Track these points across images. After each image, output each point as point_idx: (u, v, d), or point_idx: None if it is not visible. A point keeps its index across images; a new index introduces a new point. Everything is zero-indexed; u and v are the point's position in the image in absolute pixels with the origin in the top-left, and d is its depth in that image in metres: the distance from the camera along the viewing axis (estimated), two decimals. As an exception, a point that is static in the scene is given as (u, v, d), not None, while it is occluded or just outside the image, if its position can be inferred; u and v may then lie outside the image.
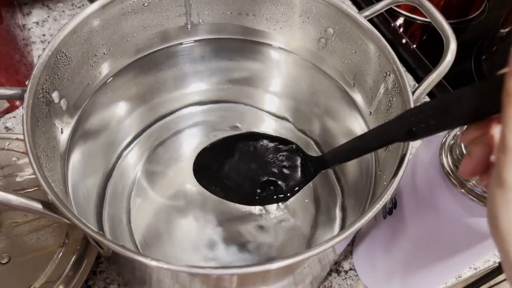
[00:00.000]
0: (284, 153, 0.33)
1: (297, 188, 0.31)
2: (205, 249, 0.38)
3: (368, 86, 0.34)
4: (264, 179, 0.32)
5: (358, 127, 0.37)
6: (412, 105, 0.28)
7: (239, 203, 0.33)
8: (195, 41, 0.39)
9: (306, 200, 0.40)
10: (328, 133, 0.41)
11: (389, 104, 0.31)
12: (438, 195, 0.28)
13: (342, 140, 0.40)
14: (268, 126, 0.43)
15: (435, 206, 0.28)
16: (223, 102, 0.43)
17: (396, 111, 0.30)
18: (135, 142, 0.41)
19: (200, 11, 0.37)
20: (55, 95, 0.30)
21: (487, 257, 0.43)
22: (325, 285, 0.41)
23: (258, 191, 0.32)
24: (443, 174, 0.28)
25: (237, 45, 0.39)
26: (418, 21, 0.63)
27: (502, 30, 0.53)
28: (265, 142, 0.33)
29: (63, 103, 0.31)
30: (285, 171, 0.32)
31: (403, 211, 0.32)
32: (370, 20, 0.60)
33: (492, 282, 1.05)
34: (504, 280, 1.00)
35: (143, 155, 0.41)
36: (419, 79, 0.56)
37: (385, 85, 0.31)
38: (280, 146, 0.33)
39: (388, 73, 0.31)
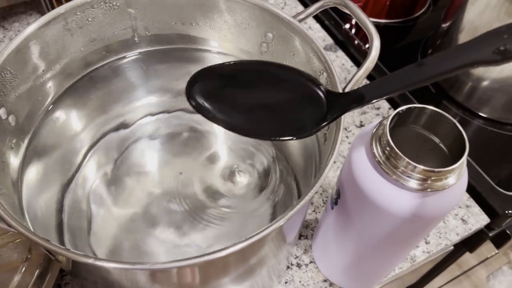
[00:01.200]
0: (303, 87, 0.28)
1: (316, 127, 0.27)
2: (173, 251, 0.39)
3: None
4: (280, 112, 0.28)
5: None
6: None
7: (247, 135, 0.28)
8: (144, 52, 0.40)
9: (263, 195, 0.42)
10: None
11: (325, 101, 0.33)
12: (372, 184, 0.30)
13: (293, 141, 0.42)
14: (221, 128, 0.45)
15: (371, 194, 0.30)
16: (176, 111, 0.45)
17: (330, 107, 0.32)
18: (90, 153, 0.41)
19: (146, 23, 0.39)
20: (2, 112, 0.31)
21: (439, 240, 0.45)
22: (286, 279, 0.43)
23: (274, 124, 0.28)
24: (375, 163, 0.29)
25: (184, 54, 0.41)
26: (369, 22, 0.65)
27: (443, 25, 0.56)
28: (281, 72, 0.29)
29: (11, 119, 0.32)
30: (305, 105, 0.28)
31: (346, 201, 0.34)
32: (322, 24, 0.63)
33: (465, 267, 1.08)
34: (477, 265, 1.03)
35: (100, 166, 0.42)
36: (371, 78, 0.58)
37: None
38: (298, 79, 0.28)
39: (322, 71, 0.33)
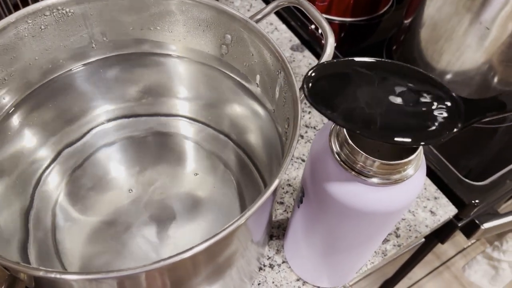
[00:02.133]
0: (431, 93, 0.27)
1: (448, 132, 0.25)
2: (145, 256, 0.38)
3: (268, 85, 0.36)
4: (406, 116, 0.26)
5: (269, 125, 0.39)
6: (299, 98, 0.30)
7: (376, 138, 0.25)
8: (102, 58, 0.40)
9: (230, 195, 0.42)
10: (243, 133, 0.42)
11: (284, 100, 0.33)
12: (333, 180, 0.30)
13: (254, 138, 0.42)
14: (186, 130, 0.45)
15: (333, 191, 0.30)
16: (136, 116, 0.44)
17: (290, 105, 0.32)
18: (52, 167, 0.41)
19: (103, 29, 0.38)
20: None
21: (408, 233, 0.45)
22: (259, 281, 0.42)
23: (402, 127, 0.26)
24: (333, 158, 0.29)
25: (144, 59, 0.41)
26: (336, 21, 0.66)
27: (406, 21, 0.57)
28: (406, 75, 0.27)
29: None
30: (436, 113, 0.26)
31: (310, 199, 0.34)
32: (289, 25, 0.64)
33: (444, 258, 1.09)
34: (456, 255, 1.05)
35: (62, 178, 0.41)
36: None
37: (279, 82, 0.33)
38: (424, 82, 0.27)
39: (280, 71, 0.33)
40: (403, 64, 0.28)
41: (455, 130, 0.26)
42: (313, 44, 0.62)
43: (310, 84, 0.26)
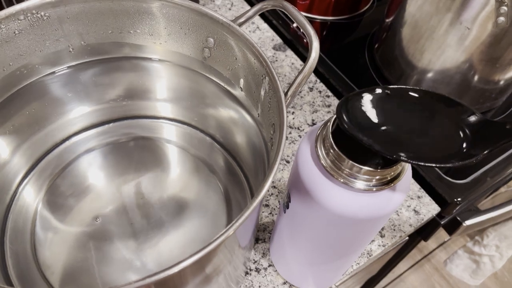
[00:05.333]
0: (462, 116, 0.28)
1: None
2: (129, 266, 0.37)
3: (253, 90, 0.36)
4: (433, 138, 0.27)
5: (254, 129, 0.38)
6: (284, 105, 0.29)
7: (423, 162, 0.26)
8: (81, 63, 0.38)
9: (216, 198, 0.41)
10: (229, 135, 0.42)
11: (269, 105, 0.33)
12: (319, 187, 0.30)
13: (239, 141, 0.41)
14: (169, 133, 0.44)
15: (319, 198, 0.30)
16: (117, 121, 0.43)
17: (275, 111, 0.32)
18: (30, 176, 0.39)
19: (81, 33, 0.37)
20: None
21: (393, 233, 0.46)
22: (246, 285, 0.42)
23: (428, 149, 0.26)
24: (320, 165, 0.29)
25: (124, 63, 0.39)
26: (317, 20, 0.66)
27: (387, 20, 0.57)
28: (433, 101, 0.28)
29: None
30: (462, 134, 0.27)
31: (296, 205, 0.33)
32: (271, 24, 0.63)
33: (425, 251, 1.11)
34: (437, 248, 1.07)
35: (41, 187, 0.40)
36: (320, 75, 0.59)
37: (264, 87, 0.33)
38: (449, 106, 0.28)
39: (264, 75, 0.32)
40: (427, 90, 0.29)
41: (485, 152, 0.27)
42: (296, 43, 0.61)
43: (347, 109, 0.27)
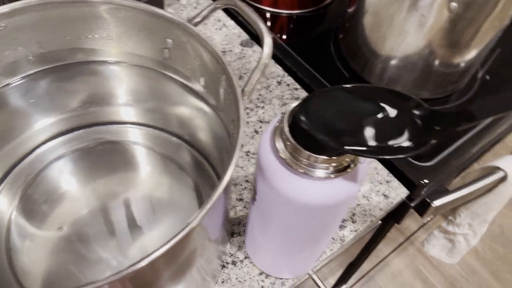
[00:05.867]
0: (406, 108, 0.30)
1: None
2: (109, 264, 0.38)
3: (212, 88, 0.36)
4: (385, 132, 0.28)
5: (217, 123, 0.39)
6: (240, 102, 0.30)
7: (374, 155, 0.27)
8: (41, 70, 0.39)
9: (188, 195, 0.42)
10: (194, 132, 0.42)
11: (229, 102, 0.33)
12: (280, 178, 0.31)
13: (204, 136, 0.42)
14: (135, 136, 0.44)
15: (281, 189, 0.31)
16: (82, 128, 0.44)
17: (233, 108, 0.32)
18: (2, 186, 0.40)
19: (39, 40, 0.37)
20: None
21: (364, 218, 0.47)
22: (223, 279, 0.43)
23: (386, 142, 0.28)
24: (278, 156, 0.30)
25: (84, 68, 0.40)
26: (283, 14, 0.67)
27: (349, 10, 0.58)
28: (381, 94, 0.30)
29: None
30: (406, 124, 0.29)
31: (261, 196, 0.34)
32: (237, 20, 0.64)
33: (407, 233, 1.13)
34: (418, 230, 1.09)
35: (15, 196, 0.40)
36: (287, 69, 0.59)
37: (222, 84, 0.34)
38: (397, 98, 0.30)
39: (221, 73, 0.33)
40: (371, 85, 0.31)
41: (432, 141, 0.28)
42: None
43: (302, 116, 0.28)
